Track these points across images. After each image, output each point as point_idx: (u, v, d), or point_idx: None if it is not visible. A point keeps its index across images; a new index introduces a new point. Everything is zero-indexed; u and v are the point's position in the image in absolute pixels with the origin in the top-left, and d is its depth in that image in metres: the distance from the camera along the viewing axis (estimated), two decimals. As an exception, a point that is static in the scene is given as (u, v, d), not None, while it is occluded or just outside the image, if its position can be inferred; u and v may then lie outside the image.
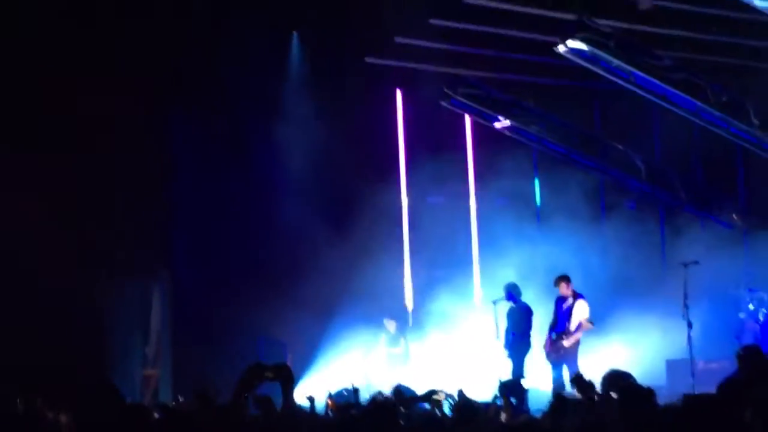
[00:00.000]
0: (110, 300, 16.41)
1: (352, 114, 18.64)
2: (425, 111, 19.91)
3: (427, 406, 9.89)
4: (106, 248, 16.24)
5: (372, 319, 18.37)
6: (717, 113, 16.92)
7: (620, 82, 16.70)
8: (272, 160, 18.49)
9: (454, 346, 18.30)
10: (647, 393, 7.11)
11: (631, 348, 17.31)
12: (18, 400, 10.11)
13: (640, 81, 16.58)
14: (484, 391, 13.42)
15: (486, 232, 20.26)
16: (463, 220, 20.54)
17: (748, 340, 16.11)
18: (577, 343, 15.44)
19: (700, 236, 18.52)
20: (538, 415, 9.05)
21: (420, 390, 10.88)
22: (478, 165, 20.64)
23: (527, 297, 16.35)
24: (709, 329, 16.41)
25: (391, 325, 18.49)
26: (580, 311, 15.48)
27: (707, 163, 20.01)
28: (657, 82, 16.52)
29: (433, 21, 17.03)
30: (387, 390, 12.32)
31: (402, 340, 18.53)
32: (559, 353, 15.45)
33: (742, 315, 17.19)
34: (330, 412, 11.84)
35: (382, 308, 18.58)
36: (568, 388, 12.05)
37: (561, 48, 16.14)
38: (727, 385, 7.87)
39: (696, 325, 15.01)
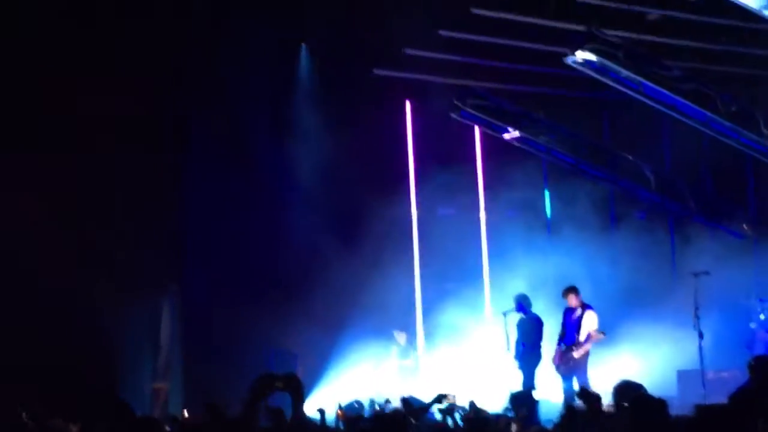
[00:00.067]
0: (120, 314, 16.34)
1: (361, 126, 18.56)
2: (434, 123, 19.88)
3: (437, 417, 9.87)
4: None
5: (382, 331, 18.36)
6: (727, 123, 16.90)
7: (629, 92, 16.70)
8: (281, 173, 18.50)
9: (465, 358, 18.27)
10: (659, 404, 7.08)
11: (641, 359, 17.24)
12: (23, 414, 10.04)
13: (649, 91, 16.57)
14: (494, 403, 13.41)
15: (496, 243, 20.21)
16: (473, 232, 20.47)
17: (759, 350, 16.07)
18: (586, 354, 15.40)
19: (710, 246, 18.42)
20: (549, 427, 9.02)
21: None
22: (487, 176, 20.58)
23: (537, 308, 16.31)
24: (720, 339, 16.35)
25: (401, 337, 18.48)
26: (589, 322, 15.45)
27: (717, 173, 19.93)
28: (666, 92, 16.51)
29: (442, 32, 17.05)
30: (396, 401, 12.32)
31: (412, 353, 18.52)
32: (568, 365, 15.42)
33: (753, 325, 17.11)
34: (340, 424, 11.83)
35: (393, 321, 18.56)
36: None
37: (570, 59, 16.18)
38: (738, 396, 7.87)
39: (707, 336, 15.01)
